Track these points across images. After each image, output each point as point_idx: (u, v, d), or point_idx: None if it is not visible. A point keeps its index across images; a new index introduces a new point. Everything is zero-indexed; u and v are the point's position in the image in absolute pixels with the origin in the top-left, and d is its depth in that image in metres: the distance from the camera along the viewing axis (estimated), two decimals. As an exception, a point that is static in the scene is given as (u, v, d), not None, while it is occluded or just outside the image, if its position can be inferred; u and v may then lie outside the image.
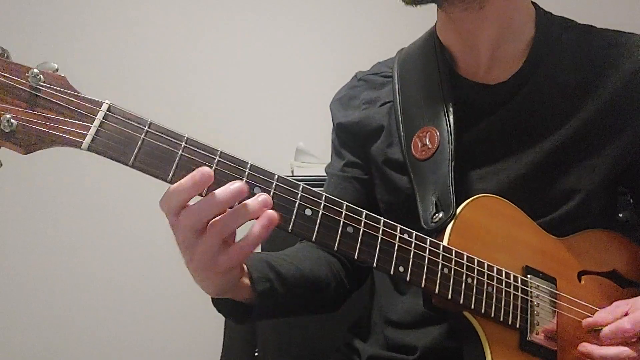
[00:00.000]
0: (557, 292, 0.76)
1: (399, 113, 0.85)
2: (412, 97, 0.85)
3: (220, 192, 0.54)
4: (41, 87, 0.53)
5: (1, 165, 0.52)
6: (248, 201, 0.56)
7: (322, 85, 1.64)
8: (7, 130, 0.51)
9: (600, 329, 0.72)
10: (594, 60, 0.82)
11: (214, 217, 0.55)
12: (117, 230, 1.61)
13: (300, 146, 1.51)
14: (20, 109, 0.52)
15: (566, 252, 0.80)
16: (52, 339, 1.58)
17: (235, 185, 0.55)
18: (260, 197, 0.56)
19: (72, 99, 0.54)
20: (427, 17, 0.88)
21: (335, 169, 0.94)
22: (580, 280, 0.80)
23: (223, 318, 0.72)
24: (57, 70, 0.56)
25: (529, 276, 0.74)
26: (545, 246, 0.79)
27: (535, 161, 0.80)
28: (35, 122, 0.52)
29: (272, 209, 0.58)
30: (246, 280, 0.68)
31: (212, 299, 0.69)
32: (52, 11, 1.62)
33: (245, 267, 0.69)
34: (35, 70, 0.53)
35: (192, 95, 1.64)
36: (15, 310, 1.58)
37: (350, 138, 0.92)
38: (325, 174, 0.97)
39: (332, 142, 0.97)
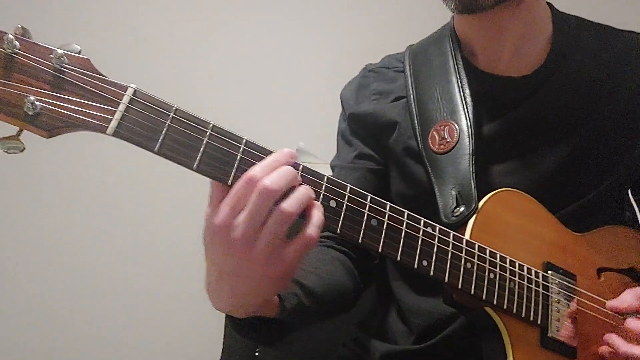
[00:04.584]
0: (577, 288, 0.75)
1: (414, 107, 0.83)
2: (427, 92, 0.84)
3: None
4: (65, 69, 0.51)
5: (24, 149, 0.51)
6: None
7: (322, 85, 1.61)
8: (30, 113, 0.49)
9: (623, 317, 0.72)
10: (615, 59, 0.83)
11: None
12: (117, 231, 1.58)
13: (300, 146, 1.49)
14: (44, 92, 0.50)
15: (586, 249, 0.80)
16: (52, 338, 1.55)
17: (286, 150, 0.56)
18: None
19: (97, 82, 0.52)
20: (427, 20, 0.88)
21: (345, 160, 0.91)
22: (599, 277, 0.80)
23: (223, 318, 0.67)
24: (79, 52, 0.54)
25: (549, 272, 0.74)
26: (566, 242, 0.78)
27: (564, 156, 0.80)
28: (59, 105, 0.50)
29: None
30: (275, 298, 0.65)
31: (238, 325, 0.63)
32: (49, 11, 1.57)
33: None
34: (60, 51, 0.52)
35: (192, 95, 1.54)
36: (15, 310, 1.54)
37: (362, 128, 0.89)
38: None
39: (340, 133, 0.94)
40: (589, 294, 0.76)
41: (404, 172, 0.85)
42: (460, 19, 0.86)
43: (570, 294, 0.74)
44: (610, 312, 0.75)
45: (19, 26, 0.53)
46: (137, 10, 1.62)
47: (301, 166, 0.59)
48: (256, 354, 1.00)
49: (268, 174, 0.52)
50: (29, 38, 0.52)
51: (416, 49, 0.91)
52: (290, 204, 0.53)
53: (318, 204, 0.56)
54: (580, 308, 0.74)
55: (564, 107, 0.81)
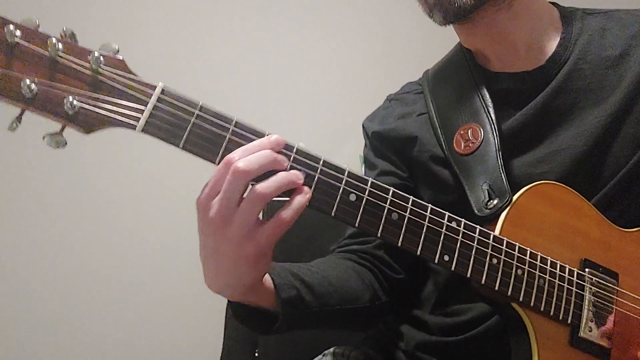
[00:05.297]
0: (618, 288, 0.72)
1: (435, 118, 0.85)
2: (446, 104, 0.86)
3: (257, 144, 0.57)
4: (102, 70, 0.56)
5: (66, 144, 0.56)
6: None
7: (323, 85, 1.61)
8: (70, 112, 0.54)
9: None
10: (630, 35, 0.82)
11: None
12: (118, 231, 1.60)
13: (300, 146, 1.48)
14: (82, 91, 0.55)
15: (633, 245, 0.76)
16: (52, 339, 1.57)
17: (273, 136, 0.58)
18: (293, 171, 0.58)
19: (129, 82, 0.56)
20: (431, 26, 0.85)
21: None
22: (647, 277, 0.75)
23: (223, 318, 0.67)
24: (118, 51, 0.58)
25: (586, 270, 0.71)
26: (610, 238, 0.75)
27: (594, 135, 0.78)
28: (94, 104, 0.55)
29: (316, 193, 0.59)
30: (270, 287, 0.66)
31: (235, 309, 0.66)
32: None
33: (268, 276, 0.66)
34: (97, 54, 0.56)
35: (192, 95, 1.57)
36: (14, 311, 1.55)
37: (385, 144, 0.92)
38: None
39: (364, 160, 0.96)
40: (631, 294, 0.72)
41: (432, 180, 0.85)
42: (461, 34, 0.88)
43: (609, 294, 0.71)
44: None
45: (65, 28, 0.57)
46: (140, 11, 1.64)
47: (322, 160, 0.60)
48: (256, 354, 1.02)
49: (245, 157, 0.55)
50: (73, 40, 0.57)
51: (432, 70, 0.93)
52: (264, 186, 0.55)
53: (307, 189, 0.58)
54: (619, 308, 0.71)
55: (584, 88, 0.80)
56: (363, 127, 0.98)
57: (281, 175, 0.57)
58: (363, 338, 0.92)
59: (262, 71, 1.65)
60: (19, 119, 0.55)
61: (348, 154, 1.44)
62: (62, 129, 0.56)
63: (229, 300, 0.66)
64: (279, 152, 0.58)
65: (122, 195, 1.58)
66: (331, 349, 0.91)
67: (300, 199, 0.57)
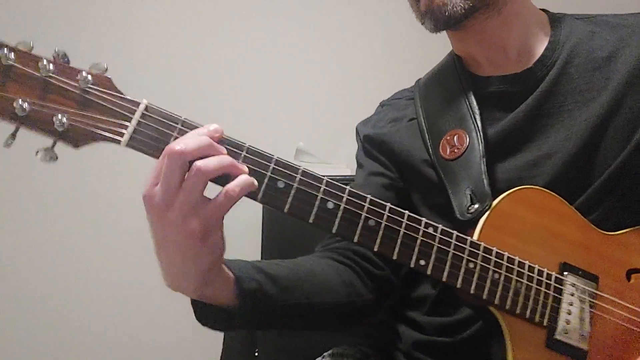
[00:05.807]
0: (597, 291, 0.73)
1: (424, 124, 0.87)
2: (435, 109, 0.88)
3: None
4: (89, 89, 0.59)
5: (57, 158, 0.60)
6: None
7: (322, 85, 1.62)
8: (60, 130, 0.58)
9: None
10: (619, 37, 0.83)
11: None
12: (118, 230, 1.60)
13: (300, 146, 1.51)
14: (71, 110, 0.59)
15: (615, 249, 0.77)
16: (52, 339, 1.57)
17: (212, 125, 0.59)
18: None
19: (115, 100, 0.60)
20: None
21: (358, 181, 0.94)
22: (629, 279, 0.76)
23: None
24: (106, 69, 0.62)
25: (565, 273, 0.72)
26: (591, 242, 0.76)
27: (584, 137, 0.79)
28: (82, 121, 0.58)
29: (295, 201, 0.61)
30: (230, 280, 0.65)
31: (195, 307, 0.66)
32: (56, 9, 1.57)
33: (228, 271, 0.66)
34: (84, 73, 0.59)
35: (192, 95, 1.60)
36: (14, 311, 1.56)
37: (376, 147, 0.93)
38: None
39: (357, 160, 0.99)
40: (611, 297, 0.74)
41: (422, 182, 0.87)
42: (453, 40, 0.90)
43: (587, 297, 0.73)
44: (633, 317, 0.73)
45: (57, 49, 0.61)
46: (141, 11, 1.65)
47: (300, 170, 0.63)
48: (256, 354, 1.04)
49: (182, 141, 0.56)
50: (65, 60, 0.60)
51: (424, 78, 0.96)
52: (204, 163, 0.55)
53: (241, 178, 0.58)
54: (597, 312, 0.73)
55: (573, 90, 0.81)
56: (356, 130, 1.00)
57: (222, 156, 0.57)
58: (361, 337, 0.95)
59: (261, 71, 1.67)
60: (13, 135, 0.59)
61: (348, 154, 1.45)
62: (54, 144, 0.60)
63: (191, 300, 0.66)
64: (260, 164, 0.61)
65: (122, 196, 1.56)
66: (330, 351, 0.93)
67: (247, 177, 0.58)
